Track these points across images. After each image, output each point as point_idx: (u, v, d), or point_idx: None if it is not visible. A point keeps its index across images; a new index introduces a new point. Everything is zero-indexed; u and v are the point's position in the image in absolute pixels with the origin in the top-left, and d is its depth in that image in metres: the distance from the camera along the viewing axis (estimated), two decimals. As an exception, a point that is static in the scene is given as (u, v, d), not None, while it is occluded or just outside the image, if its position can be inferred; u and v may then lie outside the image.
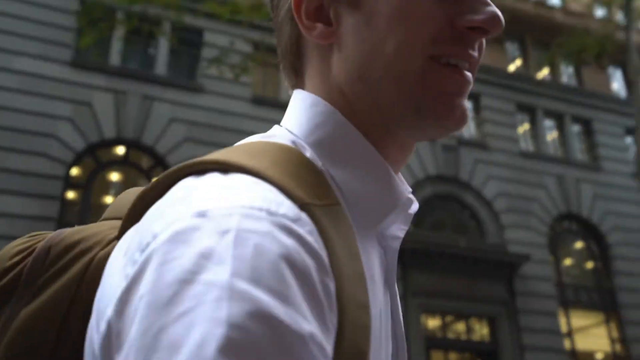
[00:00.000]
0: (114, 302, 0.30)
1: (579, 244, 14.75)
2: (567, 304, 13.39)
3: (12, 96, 9.68)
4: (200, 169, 0.37)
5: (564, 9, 16.47)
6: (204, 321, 0.23)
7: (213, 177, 0.35)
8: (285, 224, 0.31)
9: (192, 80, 11.37)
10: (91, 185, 10.44)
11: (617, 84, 17.31)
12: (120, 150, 10.67)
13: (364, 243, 0.44)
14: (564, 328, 12.88)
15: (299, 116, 0.49)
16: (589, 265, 14.60)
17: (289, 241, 0.30)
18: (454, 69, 0.45)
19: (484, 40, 0.48)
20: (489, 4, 0.45)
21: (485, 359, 12.40)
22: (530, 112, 15.15)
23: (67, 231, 0.50)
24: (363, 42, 0.46)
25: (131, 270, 0.30)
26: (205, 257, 0.27)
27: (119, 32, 10.86)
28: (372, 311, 0.39)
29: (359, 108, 0.48)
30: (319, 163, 0.44)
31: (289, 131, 0.48)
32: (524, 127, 15.21)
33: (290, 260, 0.29)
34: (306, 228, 0.34)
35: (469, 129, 14.26)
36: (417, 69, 0.44)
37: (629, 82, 13.66)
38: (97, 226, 0.52)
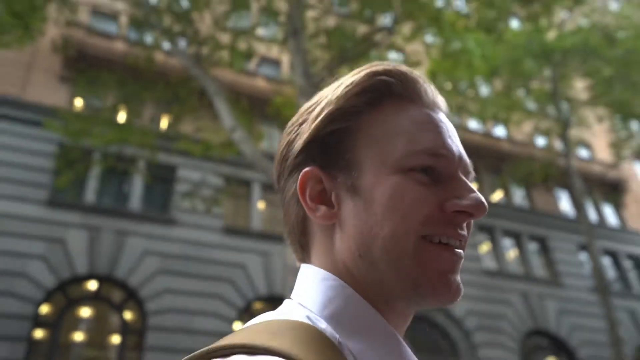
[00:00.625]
0: None
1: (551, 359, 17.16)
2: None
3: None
4: (227, 353, 0.48)
5: (509, 139, 20.73)
6: None
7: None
8: None
9: (165, 213, 13.22)
10: (61, 323, 11.51)
11: (565, 204, 21.43)
12: (92, 285, 12.04)
13: None
14: None
15: (311, 290, 0.64)
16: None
17: None
18: (445, 247, 0.60)
19: (482, 202, 0.61)
20: (473, 191, 0.61)
21: None
22: (490, 232, 18.31)
23: None
24: (362, 224, 0.61)
25: None
26: None
27: (94, 171, 12.60)
28: None
29: (362, 282, 0.62)
30: (335, 336, 0.56)
31: (302, 305, 0.62)
32: (485, 246, 18.22)
33: None
34: None
35: None
36: (411, 249, 0.58)
37: (575, 203, 16.57)
38: None
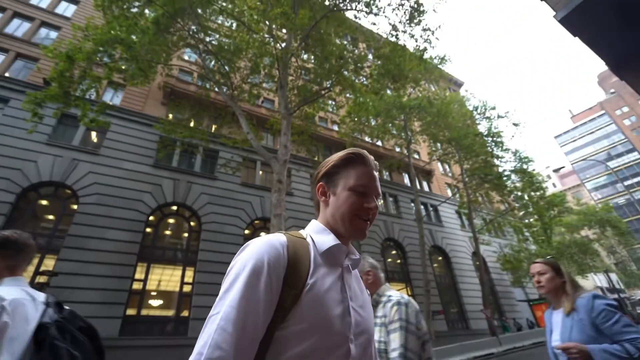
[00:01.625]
0: None
1: (393, 251, 19.09)
2: None
3: (123, 181, 11.36)
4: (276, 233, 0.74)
5: (383, 147, 21.34)
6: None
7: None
8: (278, 239, 0.70)
9: (212, 174, 13.48)
10: (159, 225, 11.91)
11: (406, 179, 22.24)
12: (174, 207, 12.37)
13: (325, 259, 0.75)
14: None
15: (311, 226, 0.83)
16: None
17: (276, 243, 0.69)
18: (363, 220, 0.77)
19: (376, 208, 0.80)
20: (375, 203, 0.79)
21: None
22: None
23: None
24: (334, 206, 0.79)
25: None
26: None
27: (177, 150, 12.97)
28: (319, 279, 0.70)
29: (331, 226, 0.80)
30: (306, 234, 0.80)
31: (307, 230, 0.82)
32: None
33: (270, 249, 0.68)
34: (282, 239, 0.70)
35: None
36: (349, 219, 0.76)
37: (410, 179, 16.88)
38: None
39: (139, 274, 10.71)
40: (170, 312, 10.80)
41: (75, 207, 10.62)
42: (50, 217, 10.52)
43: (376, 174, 0.84)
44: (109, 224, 10.60)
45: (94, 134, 12.21)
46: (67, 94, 8.53)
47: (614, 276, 28.10)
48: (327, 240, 0.76)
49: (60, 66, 8.10)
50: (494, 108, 20.55)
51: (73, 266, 9.56)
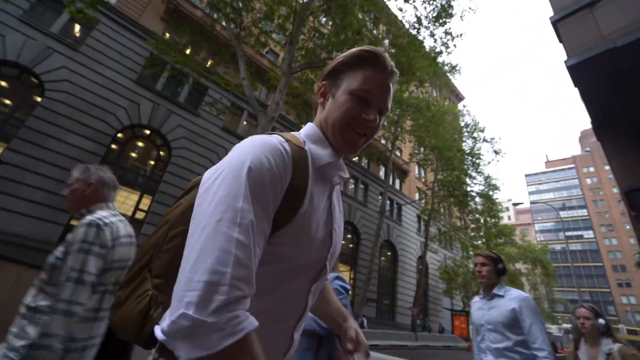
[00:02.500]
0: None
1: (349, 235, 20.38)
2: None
3: (99, 88, 10.64)
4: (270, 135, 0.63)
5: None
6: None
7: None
8: (281, 143, 0.60)
9: (195, 109, 12.95)
10: (126, 145, 11.40)
11: (382, 173, 22.63)
12: (147, 131, 11.84)
13: (319, 175, 0.67)
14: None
15: (305, 129, 0.73)
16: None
17: (281, 148, 0.59)
18: (355, 132, 0.68)
19: (380, 120, 0.69)
20: (375, 116, 0.67)
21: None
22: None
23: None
24: (329, 110, 0.70)
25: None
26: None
27: (165, 73, 12.26)
28: (313, 197, 0.63)
29: (324, 129, 0.71)
30: (303, 141, 0.68)
31: (301, 132, 0.72)
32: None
33: (275, 152, 0.58)
34: (285, 145, 0.61)
35: None
36: (340, 127, 0.67)
37: (386, 173, 17.01)
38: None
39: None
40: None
41: (38, 99, 9.86)
42: (7, 101, 9.70)
43: (391, 85, 0.71)
44: (73, 127, 10.00)
45: (77, 27, 11.11)
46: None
47: (529, 309, 31.37)
48: (324, 154, 0.68)
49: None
50: (482, 130, 21.30)
51: (23, 160, 9.03)
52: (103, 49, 11.14)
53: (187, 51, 12.82)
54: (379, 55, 0.70)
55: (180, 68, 11.74)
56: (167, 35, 12.97)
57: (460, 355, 13.69)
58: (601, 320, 2.32)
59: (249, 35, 10.85)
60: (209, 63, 13.89)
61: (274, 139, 0.61)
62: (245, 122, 15.02)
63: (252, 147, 0.57)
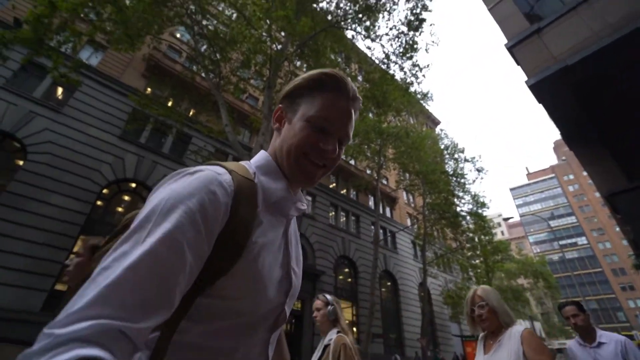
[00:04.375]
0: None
1: (346, 269, 19.84)
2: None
3: (82, 146, 10.64)
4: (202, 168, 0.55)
5: (355, 167, 21.72)
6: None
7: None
8: (221, 178, 0.52)
9: (180, 159, 12.98)
10: (112, 200, 11.25)
11: (371, 202, 22.51)
12: (133, 185, 11.75)
13: (271, 211, 0.60)
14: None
15: (257, 158, 0.67)
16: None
17: (218, 186, 0.51)
18: (311, 163, 0.61)
19: (340, 150, 0.64)
20: (334, 147, 0.62)
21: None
22: (335, 207, 19.29)
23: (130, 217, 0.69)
24: (285, 137, 0.64)
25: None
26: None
27: (148, 127, 12.40)
28: (264, 234, 0.56)
29: (278, 159, 0.64)
30: (253, 172, 0.61)
31: (251, 162, 0.65)
32: (332, 214, 19.08)
33: (208, 192, 0.50)
34: (226, 179, 0.53)
35: (308, 209, 18.44)
36: (295, 156, 0.61)
37: (375, 203, 16.90)
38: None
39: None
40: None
41: (20, 162, 9.74)
42: (-13, 169, 9.54)
43: (353, 111, 0.65)
44: (56, 188, 9.81)
45: (60, 90, 11.34)
46: (40, 41, 7.95)
47: (537, 325, 30.44)
48: (277, 188, 0.61)
49: (39, 10, 7.51)
50: (462, 151, 21.96)
51: (4, 226, 8.70)
52: (86, 108, 11.28)
53: (169, 103, 13.13)
54: (339, 80, 0.64)
55: (163, 120, 12.00)
56: (149, 90, 13.31)
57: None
58: (330, 308, 2.13)
59: (228, 84, 11.28)
60: (191, 113, 14.15)
61: (215, 179, 0.53)
62: (231, 166, 15.02)
63: (182, 187, 0.50)
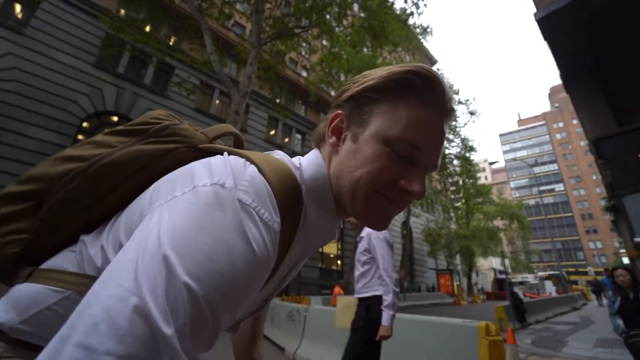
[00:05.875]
0: (161, 201, 0.36)
1: None
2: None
3: (55, 75, 9.84)
4: (240, 155, 0.42)
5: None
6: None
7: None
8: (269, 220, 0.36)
9: (163, 91, 12.37)
10: (93, 132, 10.57)
11: None
12: (115, 118, 11.25)
13: (301, 240, 0.45)
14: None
15: (311, 165, 0.48)
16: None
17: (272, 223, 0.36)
18: (387, 201, 0.45)
19: (423, 192, 0.45)
20: (422, 184, 0.44)
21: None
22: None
23: (183, 126, 0.53)
24: (347, 161, 0.46)
25: (170, 197, 0.36)
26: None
27: (125, 54, 11.47)
28: (279, 271, 0.43)
29: (333, 185, 0.47)
30: (302, 186, 0.45)
31: (300, 168, 0.47)
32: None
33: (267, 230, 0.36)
34: (272, 210, 0.37)
35: (298, 147, 18.46)
36: (363, 194, 0.44)
37: None
38: (195, 135, 0.53)
39: None
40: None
41: (-13, 91, 9.04)
42: (-48, 96, 8.88)
43: (446, 128, 0.47)
44: (31, 119, 9.30)
45: (17, 7, 10.05)
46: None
47: (507, 261, 33.47)
48: (326, 228, 0.49)
49: None
50: (457, 92, 21.47)
51: (-19, 158, 8.41)
52: (51, 30, 10.15)
53: (147, 28, 11.91)
54: (435, 84, 0.45)
55: (141, 47, 10.96)
56: (122, 11, 11.96)
57: (448, 309, 14.55)
58: None
59: (211, 7, 10.22)
60: (172, 40, 13.09)
61: (254, 206, 0.36)
62: (217, 101, 14.53)
63: (218, 244, 0.31)
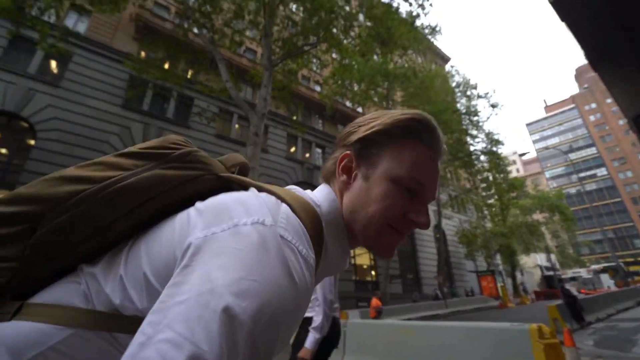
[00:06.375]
0: (199, 236, 0.35)
1: None
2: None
3: (87, 119, 10.63)
4: (269, 192, 0.44)
5: (362, 113, 20.67)
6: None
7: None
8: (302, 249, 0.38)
9: (185, 122, 13.01)
10: None
11: None
12: None
13: (321, 270, 0.49)
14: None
15: (326, 200, 0.52)
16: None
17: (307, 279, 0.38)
18: (397, 233, 0.50)
19: (427, 223, 0.51)
20: (427, 214, 0.50)
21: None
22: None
23: (202, 153, 0.52)
24: (360, 198, 0.50)
25: (208, 232, 0.35)
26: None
27: (148, 93, 12.25)
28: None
29: (347, 220, 0.52)
30: (323, 226, 0.48)
31: (316, 203, 0.51)
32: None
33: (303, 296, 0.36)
34: (307, 246, 0.40)
35: (319, 160, 18.30)
36: (376, 229, 0.49)
37: None
38: (215, 163, 0.53)
39: None
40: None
41: (32, 142, 9.90)
42: (3, 150, 9.79)
43: (439, 166, 0.54)
44: (71, 163, 10.00)
45: (53, 64, 11.05)
46: (20, 9, 7.57)
47: (552, 256, 31.30)
48: (341, 258, 0.53)
49: (12, -24, 7.09)
50: (475, 87, 20.89)
51: (30, 203, 9.12)
52: (83, 80, 11.06)
53: (166, 66, 12.73)
54: (433, 130, 0.52)
55: (162, 84, 11.76)
56: (142, 54, 12.85)
57: (493, 313, 13.73)
58: None
59: (222, 38, 10.72)
60: (189, 74, 13.77)
61: (299, 249, 0.38)
62: (237, 126, 15.00)
63: (272, 284, 0.33)
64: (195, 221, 0.39)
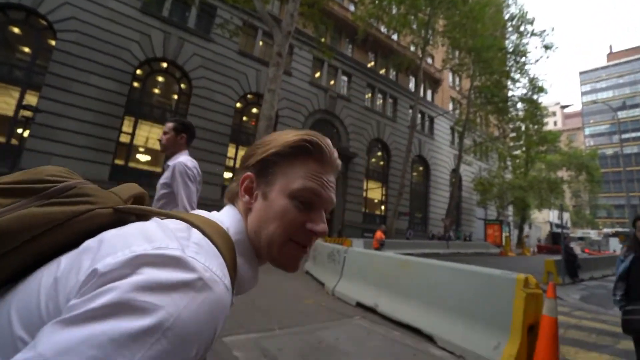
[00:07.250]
0: (93, 271, 0.33)
1: (379, 153, 19.99)
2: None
3: (106, 22, 10.29)
4: (177, 218, 0.45)
5: (397, 43, 19.80)
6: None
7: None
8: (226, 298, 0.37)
9: (207, 34, 12.41)
10: (146, 81, 11.51)
11: (412, 84, 21.32)
12: (164, 64, 11.68)
13: (238, 284, 0.49)
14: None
15: (233, 221, 0.53)
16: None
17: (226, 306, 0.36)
18: (300, 247, 0.53)
19: (325, 231, 0.54)
20: (324, 222, 0.54)
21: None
22: (372, 88, 18.65)
23: (90, 185, 0.50)
24: (261, 217, 0.52)
25: (110, 263, 0.33)
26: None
27: (169, -2, 11.35)
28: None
29: (252, 240, 0.53)
30: (234, 247, 0.48)
31: (224, 225, 0.51)
32: (368, 95, 18.52)
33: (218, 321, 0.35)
34: (227, 285, 0.38)
35: (343, 89, 17.55)
36: (278, 244, 0.51)
37: (416, 84, 16.25)
38: (107, 195, 0.52)
39: (127, 127, 10.96)
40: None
41: (52, 42, 9.78)
42: (26, 49, 9.79)
43: (333, 178, 0.58)
44: (92, 68, 10.08)
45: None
46: None
47: (566, 215, 30.97)
48: (251, 277, 0.54)
49: None
50: (531, 22, 18.39)
51: (56, 106, 9.45)
52: (99, -25, 10.33)
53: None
54: (321, 145, 0.55)
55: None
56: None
57: (492, 259, 14.36)
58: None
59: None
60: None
61: (221, 291, 0.37)
62: (261, 43, 14.22)
63: (195, 318, 0.33)
64: (81, 259, 0.37)
